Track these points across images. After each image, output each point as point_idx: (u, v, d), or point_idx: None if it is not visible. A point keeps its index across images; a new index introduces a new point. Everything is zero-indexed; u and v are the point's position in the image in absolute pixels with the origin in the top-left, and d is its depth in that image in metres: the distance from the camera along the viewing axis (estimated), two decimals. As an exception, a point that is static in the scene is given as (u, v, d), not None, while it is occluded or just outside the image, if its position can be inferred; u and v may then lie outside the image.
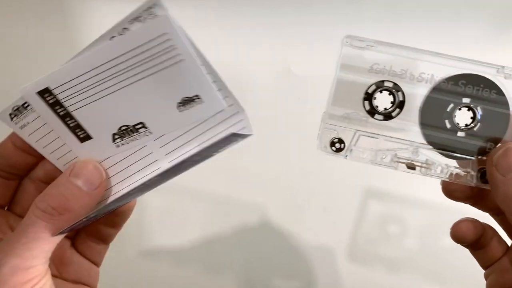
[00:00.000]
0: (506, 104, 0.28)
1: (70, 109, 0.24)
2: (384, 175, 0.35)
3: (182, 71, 0.22)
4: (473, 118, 0.29)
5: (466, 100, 0.28)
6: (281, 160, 0.50)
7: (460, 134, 0.29)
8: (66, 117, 0.24)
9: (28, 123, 0.25)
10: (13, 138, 0.27)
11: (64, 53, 0.44)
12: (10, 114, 0.25)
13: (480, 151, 0.29)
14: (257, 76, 0.48)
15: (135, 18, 0.21)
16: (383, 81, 0.29)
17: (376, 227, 0.52)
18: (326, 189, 0.52)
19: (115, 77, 0.23)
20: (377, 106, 0.29)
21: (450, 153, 0.29)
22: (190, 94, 0.23)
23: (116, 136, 0.25)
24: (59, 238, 0.25)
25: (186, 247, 0.53)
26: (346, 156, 0.29)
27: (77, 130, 0.25)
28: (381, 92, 0.29)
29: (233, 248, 0.52)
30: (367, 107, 0.29)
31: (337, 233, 0.53)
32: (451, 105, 0.29)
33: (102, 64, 0.23)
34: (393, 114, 0.29)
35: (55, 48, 0.47)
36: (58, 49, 0.47)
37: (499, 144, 0.28)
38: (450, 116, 0.29)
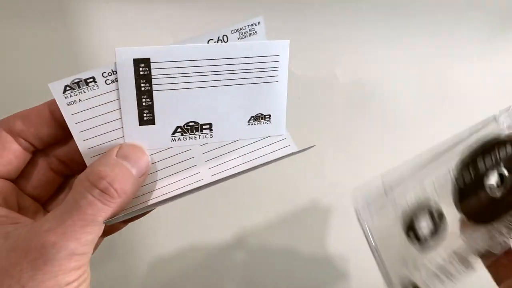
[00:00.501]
0: None
1: (154, 87, 0.24)
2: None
3: (271, 90, 0.25)
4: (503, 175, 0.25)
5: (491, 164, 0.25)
6: (281, 159, 0.50)
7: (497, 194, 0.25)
8: (145, 94, 0.24)
9: (80, 100, 0.23)
10: (52, 106, 0.24)
11: (64, 52, 0.44)
12: (66, 86, 0.23)
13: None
14: None
15: (237, 29, 0.24)
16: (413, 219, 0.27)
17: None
18: (326, 191, 0.52)
19: (213, 75, 0.24)
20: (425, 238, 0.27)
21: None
22: (265, 112, 0.26)
23: (179, 130, 0.25)
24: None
25: (185, 249, 0.53)
26: None
27: (146, 111, 0.24)
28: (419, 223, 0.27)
29: (232, 255, 0.52)
30: (415, 244, 0.27)
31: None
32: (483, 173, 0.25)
33: (209, 59, 0.23)
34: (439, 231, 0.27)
35: (55, 47, 0.47)
36: (58, 48, 0.47)
37: None
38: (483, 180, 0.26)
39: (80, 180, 0.22)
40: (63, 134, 0.24)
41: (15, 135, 0.24)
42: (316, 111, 0.49)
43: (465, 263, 0.25)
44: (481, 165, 0.25)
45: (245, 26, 0.24)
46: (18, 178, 0.25)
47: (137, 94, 0.24)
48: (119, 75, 0.23)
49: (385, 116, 0.49)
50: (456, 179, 0.25)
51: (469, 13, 0.48)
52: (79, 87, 0.23)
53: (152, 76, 0.23)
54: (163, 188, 0.26)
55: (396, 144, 0.50)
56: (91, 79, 0.23)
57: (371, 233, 0.26)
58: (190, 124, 0.25)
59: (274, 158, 0.26)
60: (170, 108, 0.24)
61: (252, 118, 0.26)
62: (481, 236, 0.25)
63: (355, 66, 0.49)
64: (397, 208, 0.26)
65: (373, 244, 0.26)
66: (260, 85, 0.25)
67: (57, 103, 0.23)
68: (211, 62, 0.24)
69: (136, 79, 0.23)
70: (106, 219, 0.22)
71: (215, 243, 0.53)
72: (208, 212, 0.51)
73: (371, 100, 0.49)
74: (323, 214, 0.53)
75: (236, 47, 0.24)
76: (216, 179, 0.25)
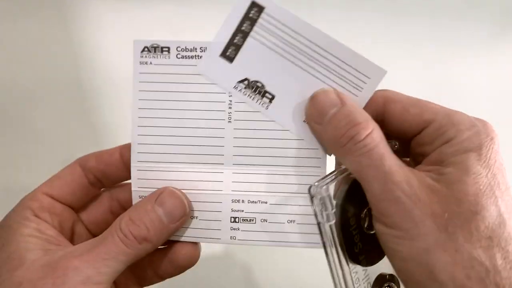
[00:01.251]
0: None
1: (252, 33, 0.24)
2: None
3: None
4: None
5: None
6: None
7: None
8: (241, 33, 0.24)
9: (151, 63, 0.25)
10: (123, 150, 0.27)
11: (64, 52, 0.44)
12: (145, 47, 0.26)
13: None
14: None
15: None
16: None
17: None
18: None
19: (306, 57, 0.24)
20: None
21: None
22: None
23: (246, 82, 0.25)
24: (129, 263, 0.24)
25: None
26: None
27: (232, 48, 0.25)
28: None
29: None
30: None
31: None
32: None
33: (312, 42, 0.24)
34: None
35: (54, 47, 0.47)
36: (58, 48, 0.47)
37: None
38: None
39: (117, 220, 0.24)
40: (129, 178, 0.27)
41: (87, 170, 0.27)
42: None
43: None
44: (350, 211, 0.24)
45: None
46: (81, 208, 0.28)
47: (235, 29, 0.24)
48: (233, 6, 0.24)
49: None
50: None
51: (469, 13, 0.49)
52: (154, 51, 0.25)
53: (257, 23, 0.24)
54: (184, 174, 0.26)
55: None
56: (165, 48, 0.25)
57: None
58: (258, 84, 0.25)
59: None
60: (252, 58, 0.25)
61: None
62: None
63: None
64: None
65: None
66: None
67: (133, 60, 0.26)
68: (312, 46, 0.24)
69: (242, 17, 0.24)
70: (131, 260, 0.24)
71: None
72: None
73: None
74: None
75: (341, 47, 0.24)
76: (235, 189, 0.26)
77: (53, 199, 0.26)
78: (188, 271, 0.27)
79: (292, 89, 0.25)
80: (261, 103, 0.25)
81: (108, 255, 0.23)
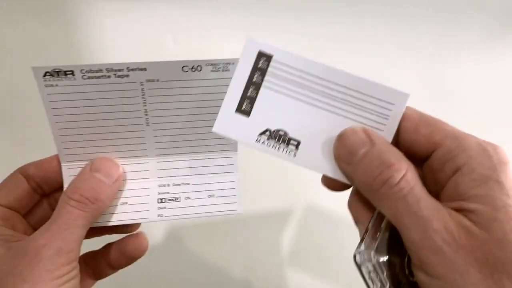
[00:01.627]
0: None
1: (264, 83, 0.24)
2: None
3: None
4: None
5: None
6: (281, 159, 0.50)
7: None
8: (254, 85, 0.24)
9: (56, 85, 0.26)
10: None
11: (64, 52, 0.45)
12: (46, 73, 0.26)
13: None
14: None
15: (212, 64, 0.26)
16: None
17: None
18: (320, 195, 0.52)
19: (326, 97, 0.24)
20: None
21: None
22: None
23: (267, 133, 0.25)
24: (88, 228, 0.26)
25: (184, 247, 0.53)
26: None
27: (247, 101, 0.24)
28: None
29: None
30: None
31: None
32: None
33: (329, 81, 0.24)
34: None
35: (54, 46, 0.47)
36: (58, 47, 0.47)
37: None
38: None
39: (62, 196, 0.26)
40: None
41: (28, 177, 0.29)
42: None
43: None
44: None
45: (220, 63, 0.26)
46: (27, 214, 0.30)
47: (247, 82, 0.24)
48: (240, 60, 0.24)
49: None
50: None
51: (469, 14, 0.49)
52: (58, 75, 0.26)
53: (267, 72, 0.24)
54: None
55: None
56: (69, 72, 0.26)
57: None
58: (280, 132, 0.25)
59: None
60: (269, 108, 0.24)
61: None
62: None
63: (354, 66, 0.49)
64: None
65: None
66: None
67: (38, 86, 0.26)
68: (327, 84, 0.24)
69: (252, 69, 0.24)
70: (89, 223, 0.26)
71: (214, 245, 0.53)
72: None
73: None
74: (322, 215, 0.53)
75: (355, 79, 0.24)
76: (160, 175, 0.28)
77: (1, 206, 0.28)
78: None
79: (317, 131, 0.24)
80: (288, 151, 0.25)
81: (67, 225, 0.25)
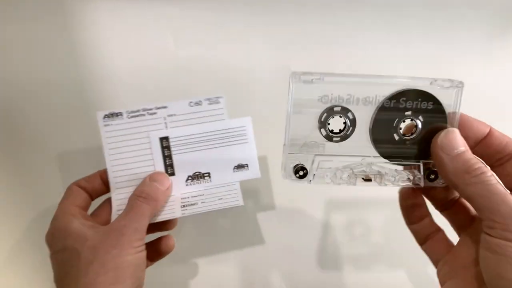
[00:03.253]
0: (442, 111, 0.31)
1: (172, 152, 0.38)
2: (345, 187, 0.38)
3: (244, 148, 0.38)
4: (416, 127, 0.31)
5: (408, 113, 0.31)
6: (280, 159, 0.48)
7: (407, 143, 0.32)
8: (167, 157, 0.38)
9: (111, 124, 0.37)
10: (102, 173, 0.38)
11: (63, 52, 0.46)
12: (105, 115, 0.37)
13: (425, 155, 0.32)
14: (257, 76, 0.48)
15: (208, 98, 0.38)
16: (332, 108, 0.32)
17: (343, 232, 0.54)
18: (325, 190, 0.53)
19: (206, 142, 0.38)
20: (332, 130, 0.32)
21: (400, 161, 0.32)
22: (243, 163, 0.38)
23: (189, 178, 0.38)
24: (150, 218, 0.36)
25: (183, 243, 0.53)
26: (310, 181, 0.33)
27: (169, 168, 0.38)
28: (333, 117, 0.32)
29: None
30: (324, 133, 0.32)
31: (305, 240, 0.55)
32: (396, 120, 0.32)
33: (203, 134, 0.38)
34: (348, 133, 0.32)
35: (54, 46, 0.47)
36: (57, 47, 0.47)
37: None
38: (396, 129, 0.32)
39: (131, 196, 0.36)
40: (106, 192, 0.39)
41: (82, 188, 0.38)
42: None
43: (351, 178, 0.33)
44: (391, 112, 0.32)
45: (213, 98, 0.38)
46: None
47: (163, 158, 0.38)
48: (151, 144, 0.38)
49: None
50: (374, 121, 0.32)
51: (469, 13, 0.48)
52: (111, 116, 0.38)
53: (171, 147, 0.38)
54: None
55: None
56: (119, 113, 0.38)
57: (291, 101, 0.32)
58: (196, 173, 0.38)
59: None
60: (184, 164, 0.38)
61: (236, 167, 0.38)
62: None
63: (354, 66, 0.48)
64: (322, 94, 0.32)
65: (289, 112, 0.32)
66: (236, 146, 0.38)
67: (99, 125, 0.37)
68: (204, 136, 0.38)
69: (161, 149, 0.38)
70: (152, 215, 0.36)
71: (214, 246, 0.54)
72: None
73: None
74: (321, 214, 0.54)
75: (216, 125, 0.38)
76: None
77: (78, 206, 0.37)
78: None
79: (215, 162, 0.38)
80: (206, 180, 0.38)
81: (138, 213, 0.34)
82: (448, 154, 0.30)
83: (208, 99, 0.37)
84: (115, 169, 0.38)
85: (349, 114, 0.32)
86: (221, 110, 0.37)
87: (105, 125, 0.37)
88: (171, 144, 0.37)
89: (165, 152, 0.37)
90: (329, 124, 0.32)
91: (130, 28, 0.47)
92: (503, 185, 0.28)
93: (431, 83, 0.31)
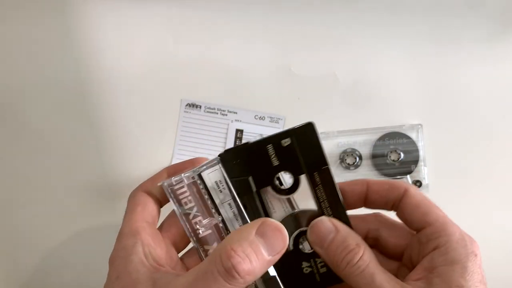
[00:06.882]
0: (414, 143, 0.48)
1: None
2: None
3: None
4: (399, 155, 0.48)
5: (392, 147, 0.48)
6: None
7: (396, 165, 0.48)
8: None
9: (190, 112, 0.44)
10: (170, 169, 0.31)
11: (63, 52, 0.47)
12: (187, 104, 0.43)
13: (408, 172, 0.48)
14: (256, 75, 0.48)
15: (270, 117, 0.45)
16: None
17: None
18: None
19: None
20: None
21: (395, 176, 0.48)
22: None
23: None
24: None
25: None
26: None
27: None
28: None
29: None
30: None
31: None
32: (388, 151, 0.49)
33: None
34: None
35: (54, 46, 0.47)
36: (57, 47, 0.47)
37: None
38: (387, 156, 0.48)
39: (215, 251, 0.25)
40: None
41: (150, 193, 0.31)
42: (315, 111, 0.49)
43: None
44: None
45: (275, 117, 0.45)
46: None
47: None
48: (227, 134, 0.45)
49: (385, 116, 0.49)
50: None
51: (469, 13, 0.49)
52: (192, 106, 0.45)
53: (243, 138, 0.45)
54: None
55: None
56: (199, 106, 0.45)
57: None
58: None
59: None
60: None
61: None
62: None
63: (355, 66, 0.49)
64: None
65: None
66: None
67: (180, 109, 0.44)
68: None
69: (235, 139, 0.46)
70: None
71: None
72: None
73: (371, 100, 0.49)
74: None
75: None
76: None
77: (147, 222, 0.29)
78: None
79: None
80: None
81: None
82: (320, 248, 0.28)
83: (270, 117, 0.45)
84: (181, 153, 0.42)
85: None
86: (279, 129, 0.43)
87: (185, 112, 0.43)
88: (243, 137, 0.43)
89: (237, 142, 0.44)
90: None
91: (130, 28, 0.47)
92: (377, 263, 0.27)
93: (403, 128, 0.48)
